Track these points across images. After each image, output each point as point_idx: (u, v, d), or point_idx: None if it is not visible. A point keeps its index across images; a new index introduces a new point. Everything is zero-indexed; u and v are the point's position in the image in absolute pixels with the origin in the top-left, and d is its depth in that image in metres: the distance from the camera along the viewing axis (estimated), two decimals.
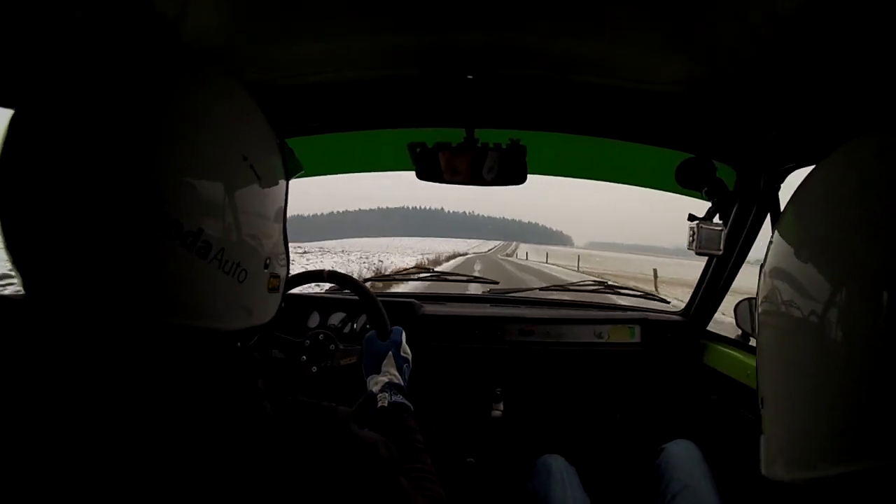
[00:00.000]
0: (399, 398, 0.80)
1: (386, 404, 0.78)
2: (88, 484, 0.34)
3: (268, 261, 0.47)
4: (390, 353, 0.88)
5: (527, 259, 34.55)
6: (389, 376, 0.84)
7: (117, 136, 0.36)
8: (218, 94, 0.43)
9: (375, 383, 0.84)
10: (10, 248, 0.37)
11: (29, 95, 0.38)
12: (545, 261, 31.99)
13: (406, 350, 0.91)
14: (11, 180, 0.37)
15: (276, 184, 0.49)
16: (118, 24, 0.63)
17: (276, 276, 0.49)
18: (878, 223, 0.33)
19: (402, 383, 0.85)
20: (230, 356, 0.43)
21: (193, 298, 0.40)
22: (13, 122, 0.37)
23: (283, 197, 0.51)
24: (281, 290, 0.51)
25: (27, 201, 0.36)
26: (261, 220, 0.46)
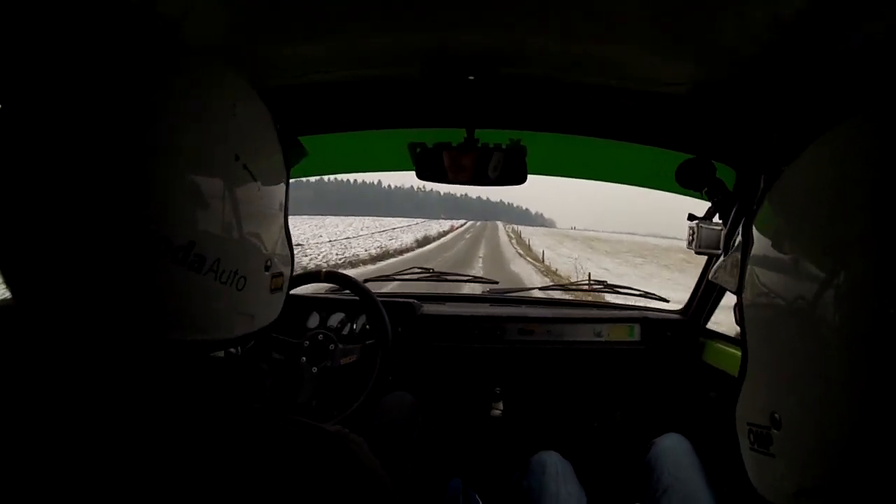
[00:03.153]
0: None
1: None
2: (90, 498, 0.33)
3: (268, 262, 0.44)
4: None
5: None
6: None
7: (98, 148, 0.34)
8: (201, 91, 0.39)
9: None
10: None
11: (16, 97, 0.37)
12: None
13: None
14: None
15: (277, 179, 0.46)
16: (118, 24, 0.62)
17: (280, 276, 0.47)
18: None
19: None
20: (233, 369, 0.41)
21: (190, 312, 0.38)
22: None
23: (284, 191, 0.48)
24: (285, 288, 0.49)
25: (11, 213, 0.35)
26: (260, 222, 0.43)
